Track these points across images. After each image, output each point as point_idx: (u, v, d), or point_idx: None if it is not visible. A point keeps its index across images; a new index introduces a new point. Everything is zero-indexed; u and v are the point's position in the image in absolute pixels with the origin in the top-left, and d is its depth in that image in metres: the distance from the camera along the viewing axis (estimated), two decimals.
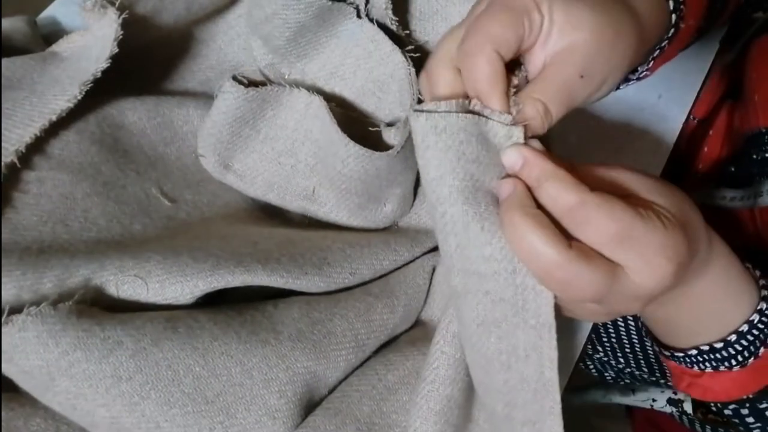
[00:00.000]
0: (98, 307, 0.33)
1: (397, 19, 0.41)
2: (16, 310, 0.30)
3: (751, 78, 0.50)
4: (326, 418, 0.35)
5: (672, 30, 0.37)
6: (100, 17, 0.38)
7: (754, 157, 0.49)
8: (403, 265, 0.42)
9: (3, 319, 0.29)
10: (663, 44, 0.38)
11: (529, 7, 0.29)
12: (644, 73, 0.41)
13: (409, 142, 0.39)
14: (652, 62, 0.40)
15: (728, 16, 0.48)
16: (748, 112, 0.50)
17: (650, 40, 0.36)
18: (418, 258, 0.42)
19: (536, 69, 0.31)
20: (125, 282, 0.33)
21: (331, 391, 0.37)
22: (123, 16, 0.38)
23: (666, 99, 0.49)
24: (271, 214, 0.44)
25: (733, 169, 0.54)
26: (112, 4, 0.38)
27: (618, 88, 0.37)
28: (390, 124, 0.41)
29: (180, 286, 0.33)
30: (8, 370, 0.30)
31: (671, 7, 0.36)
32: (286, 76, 0.41)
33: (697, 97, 0.50)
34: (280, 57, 0.43)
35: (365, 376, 0.37)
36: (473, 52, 0.29)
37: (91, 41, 0.39)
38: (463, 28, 0.31)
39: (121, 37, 0.37)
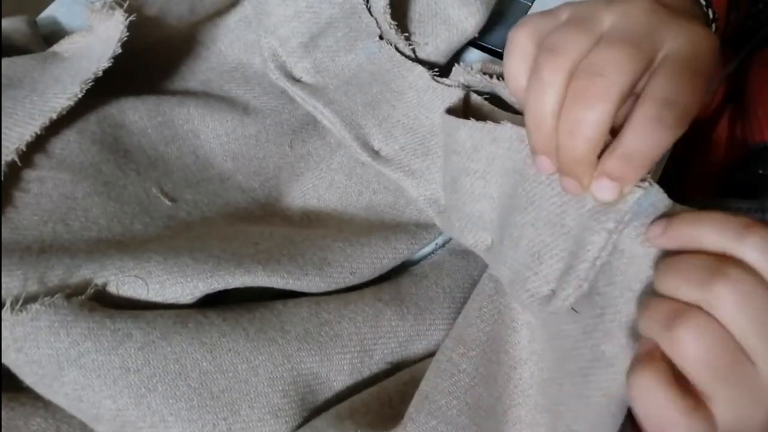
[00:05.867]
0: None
1: (396, 23, 0.42)
2: (25, 301, 0.30)
3: (752, 91, 0.50)
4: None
5: None
6: (106, 18, 0.38)
7: (760, 171, 0.49)
8: (415, 276, 0.42)
9: (17, 308, 0.30)
10: None
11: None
12: None
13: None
14: None
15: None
16: (751, 124, 0.50)
17: None
18: (431, 273, 0.42)
19: None
20: (126, 282, 0.33)
21: (337, 396, 0.36)
22: (130, 18, 0.37)
23: None
24: (271, 214, 0.44)
25: (739, 178, 0.54)
26: (120, 5, 0.38)
27: None
28: None
29: (180, 286, 0.33)
30: (17, 360, 0.30)
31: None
32: (298, 79, 0.41)
33: None
34: (295, 59, 0.43)
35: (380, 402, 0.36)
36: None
37: (93, 42, 0.39)
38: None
39: (125, 38, 0.37)
